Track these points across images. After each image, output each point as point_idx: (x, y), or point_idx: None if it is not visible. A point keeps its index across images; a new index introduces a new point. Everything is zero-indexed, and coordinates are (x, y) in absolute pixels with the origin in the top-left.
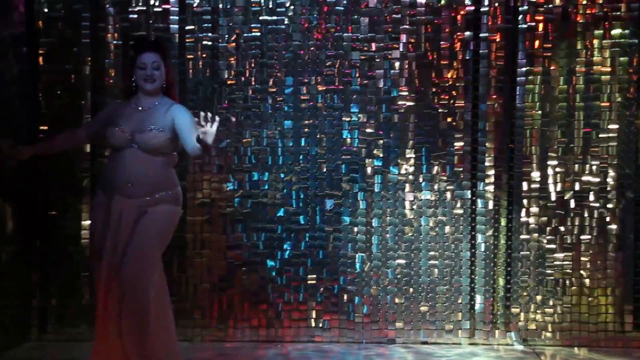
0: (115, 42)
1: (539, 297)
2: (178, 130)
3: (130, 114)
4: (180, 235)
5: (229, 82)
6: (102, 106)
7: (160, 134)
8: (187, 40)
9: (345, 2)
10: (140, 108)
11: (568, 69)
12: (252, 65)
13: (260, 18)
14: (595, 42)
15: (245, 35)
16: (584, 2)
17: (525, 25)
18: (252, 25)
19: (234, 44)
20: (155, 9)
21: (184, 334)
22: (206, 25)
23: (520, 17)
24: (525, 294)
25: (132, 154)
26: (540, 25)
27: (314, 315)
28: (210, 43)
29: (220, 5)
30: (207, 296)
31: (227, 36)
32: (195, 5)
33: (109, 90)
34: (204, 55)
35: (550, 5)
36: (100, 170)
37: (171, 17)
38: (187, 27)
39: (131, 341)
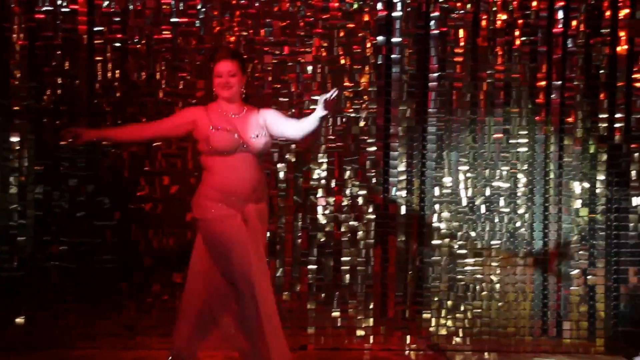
0: (21, 42)
1: (449, 302)
2: (274, 125)
3: (228, 120)
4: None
5: (139, 85)
6: (8, 107)
7: (268, 138)
8: (96, 41)
9: (257, 5)
10: (233, 114)
11: (479, 75)
12: (163, 67)
13: (171, 20)
14: (506, 48)
15: (155, 37)
16: (495, 9)
17: (437, 31)
18: (163, 26)
19: (144, 46)
20: (63, 9)
21: (94, 342)
22: (115, 26)
23: (432, 22)
24: (436, 299)
25: (244, 158)
26: (452, 31)
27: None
28: (119, 44)
29: (130, 7)
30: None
31: (137, 38)
32: (104, 6)
33: (14, 92)
34: (114, 57)
35: (462, 12)
36: (210, 181)
37: (79, 18)
38: (96, 28)
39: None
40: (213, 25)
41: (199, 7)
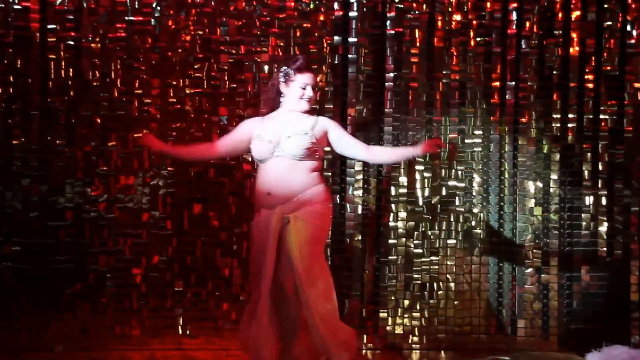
0: None
1: (406, 302)
2: (338, 143)
3: (275, 126)
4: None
5: (93, 84)
6: None
7: (310, 143)
8: (49, 39)
9: (213, 4)
10: (286, 120)
11: (434, 75)
12: (118, 66)
13: (126, 18)
14: (461, 49)
15: (110, 35)
16: (450, 10)
17: (393, 31)
18: (118, 25)
19: (98, 44)
20: (15, 6)
21: (48, 344)
22: (69, 24)
23: (388, 22)
24: (393, 298)
25: (281, 164)
26: (408, 32)
27: (181, 322)
28: (73, 43)
29: (84, 4)
30: (71, 304)
31: (91, 36)
32: (57, 3)
33: None
34: (67, 56)
35: (417, 12)
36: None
37: (31, 16)
38: (49, 26)
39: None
40: (169, 24)
41: (154, 5)
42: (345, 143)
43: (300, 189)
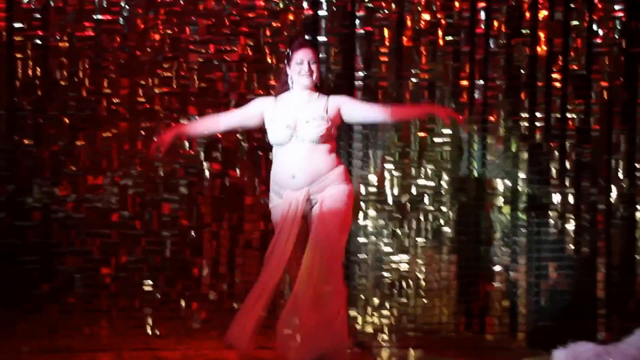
0: None
1: (376, 300)
2: (353, 110)
3: (289, 110)
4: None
5: (61, 83)
6: None
7: (327, 125)
8: (16, 38)
9: (182, 3)
10: (300, 103)
11: (403, 74)
12: (86, 65)
13: (94, 17)
14: (430, 48)
15: (78, 34)
16: (419, 9)
17: (362, 31)
18: (86, 24)
19: (66, 44)
20: None
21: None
22: (36, 23)
23: (357, 22)
24: (362, 296)
25: (300, 147)
26: (377, 31)
27: (150, 322)
28: (40, 42)
29: (52, 3)
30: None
31: (58, 35)
32: (24, 2)
33: None
34: (34, 55)
35: (386, 11)
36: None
37: None
38: (16, 25)
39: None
40: (137, 23)
41: (122, 4)
42: (362, 110)
43: (324, 171)
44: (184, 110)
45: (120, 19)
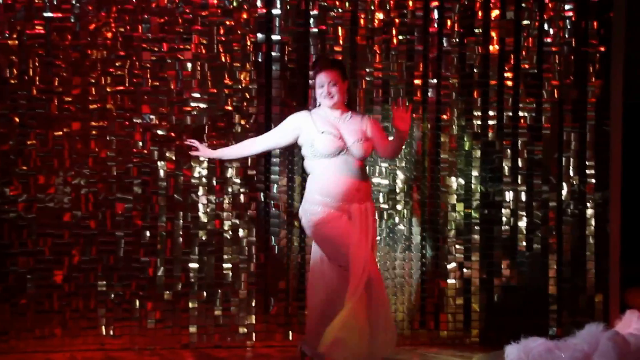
0: None
1: None
2: (379, 138)
3: (332, 124)
4: None
5: (11, 81)
6: None
7: (369, 142)
8: None
9: (134, 1)
10: (337, 118)
11: (358, 73)
12: (37, 63)
13: (45, 15)
14: (383, 47)
15: (28, 32)
16: (372, 8)
17: (316, 29)
18: (36, 22)
19: (16, 41)
20: None
21: None
22: None
23: (311, 20)
24: None
25: (346, 162)
26: (331, 29)
27: (104, 323)
28: None
29: (0, 0)
30: None
31: (8, 33)
32: None
33: None
34: None
35: (340, 10)
36: (316, 187)
37: None
38: None
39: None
40: (89, 21)
41: (73, 2)
42: (380, 139)
43: (362, 187)
44: (137, 109)
45: (72, 17)
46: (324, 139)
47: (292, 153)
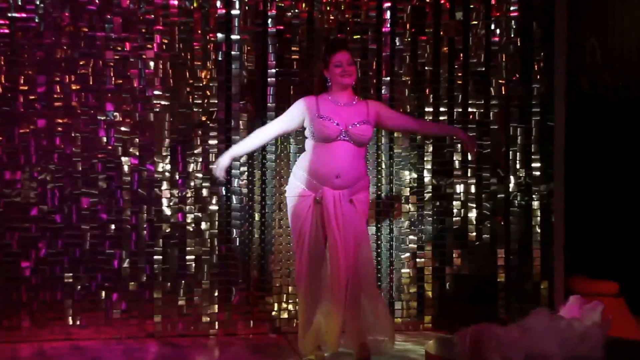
0: None
1: (290, 288)
2: (390, 118)
3: (335, 109)
4: None
5: None
6: None
7: (370, 129)
8: None
9: (97, 1)
10: (342, 104)
11: (314, 71)
12: (2, 62)
13: (9, 15)
14: None
15: None
16: (328, 9)
17: (274, 29)
18: (1, 21)
19: None
20: None
21: None
22: None
23: (269, 20)
24: (278, 285)
25: (345, 147)
26: (288, 29)
27: (70, 314)
28: None
29: None
30: None
31: None
32: None
33: None
34: None
35: (297, 11)
36: (302, 163)
37: None
38: None
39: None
40: (53, 20)
41: (37, 2)
42: (397, 118)
43: (361, 175)
44: (101, 107)
45: (36, 17)
46: (321, 123)
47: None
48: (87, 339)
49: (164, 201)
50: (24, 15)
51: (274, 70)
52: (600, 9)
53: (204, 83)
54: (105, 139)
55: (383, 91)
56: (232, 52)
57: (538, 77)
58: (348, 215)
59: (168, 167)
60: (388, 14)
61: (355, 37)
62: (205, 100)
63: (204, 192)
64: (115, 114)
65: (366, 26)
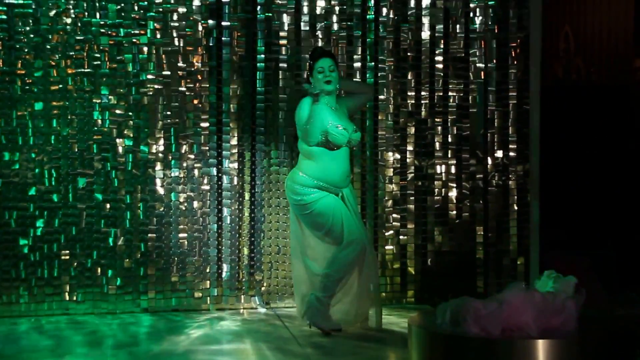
0: None
1: (279, 264)
2: (356, 100)
3: (334, 115)
4: None
5: None
6: None
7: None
8: None
9: None
10: (334, 109)
11: (302, 56)
12: (0, 47)
13: (6, 1)
14: (325, 32)
15: None
16: None
17: (263, 16)
18: None
19: None
20: None
21: None
22: None
23: (258, 8)
24: (267, 261)
25: (344, 151)
26: (276, 16)
27: (67, 289)
28: None
29: None
30: None
31: None
32: None
33: None
34: None
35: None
36: (309, 168)
37: None
38: None
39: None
40: (49, 7)
41: None
42: (351, 101)
43: (349, 173)
44: (96, 90)
45: (33, 4)
46: (339, 132)
47: (243, 130)
48: (84, 314)
49: (157, 181)
50: (21, 1)
51: (263, 56)
52: None
53: (196, 68)
54: (100, 121)
55: (368, 76)
56: (223, 38)
57: (515, 62)
58: (354, 205)
59: (161, 148)
60: (372, 2)
61: (341, 24)
62: (197, 84)
63: (196, 172)
64: (109, 97)
65: (351, 14)
